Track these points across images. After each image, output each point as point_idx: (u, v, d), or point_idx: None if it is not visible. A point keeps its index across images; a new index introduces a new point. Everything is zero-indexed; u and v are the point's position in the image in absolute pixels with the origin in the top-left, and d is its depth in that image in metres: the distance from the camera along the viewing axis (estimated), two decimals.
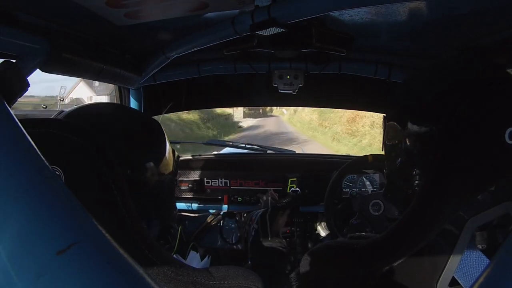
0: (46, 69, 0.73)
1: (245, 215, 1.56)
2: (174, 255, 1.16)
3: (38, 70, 0.71)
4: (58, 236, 0.23)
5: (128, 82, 1.10)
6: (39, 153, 0.26)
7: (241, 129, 20.07)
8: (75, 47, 0.78)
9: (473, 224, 0.51)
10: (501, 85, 0.52)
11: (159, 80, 1.29)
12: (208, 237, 1.68)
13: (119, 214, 0.50)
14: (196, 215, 1.64)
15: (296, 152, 2.00)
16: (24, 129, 0.26)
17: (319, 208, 1.49)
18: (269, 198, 1.28)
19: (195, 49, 0.95)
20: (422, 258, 0.56)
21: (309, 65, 1.27)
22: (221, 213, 1.63)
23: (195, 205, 1.62)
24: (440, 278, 0.53)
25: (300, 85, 1.28)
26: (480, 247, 0.52)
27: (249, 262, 1.15)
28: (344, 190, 1.57)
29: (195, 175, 1.63)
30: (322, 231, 1.53)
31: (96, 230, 0.25)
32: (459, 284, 0.53)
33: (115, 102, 1.33)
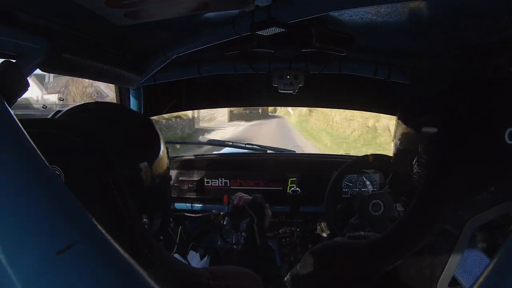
0: (46, 69, 0.73)
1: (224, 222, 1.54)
2: (175, 255, 1.16)
3: None
4: (58, 236, 0.23)
5: (128, 82, 1.10)
6: (39, 153, 0.26)
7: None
8: (75, 47, 0.78)
9: (473, 224, 0.51)
10: (501, 85, 0.52)
11: (159, 80, 1.29)
12: (208, 237, 1.68)
13: (119, 214, 0.50)
14: (196, 215, 1.64)
15: (296, 152, 2.00)
16: (24, 129, 0.26)
17: (319, 208, 1.49)
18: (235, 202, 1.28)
19: (195, 49, 0.95)
20: (422, 258, 0.56)
21: (309, 65, 1.27)
22: (221, 213, 1.63)
23: (195, 205, 1.62)
24: (440, 278, 0.53)
25: (300, 85, 1.28)
26: (480, 246, 0.52)
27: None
28: (344, 190, 1.57)
29: (195, 175, 1.63)
30: (323, 231, 1.53)
31: (96, 230, 0.25)
32: (459, 284, 0.53)
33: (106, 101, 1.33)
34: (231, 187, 1.60)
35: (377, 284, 0.57)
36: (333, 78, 1.35)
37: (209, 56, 1.25)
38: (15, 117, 0.27)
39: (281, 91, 1.31)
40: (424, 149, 0.57)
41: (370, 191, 1.55)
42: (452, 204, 0.51)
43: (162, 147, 0.71)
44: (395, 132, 0.65)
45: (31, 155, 0.26)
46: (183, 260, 1.00)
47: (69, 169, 0.48)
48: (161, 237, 0.75)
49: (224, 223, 1.66)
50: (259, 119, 26.29)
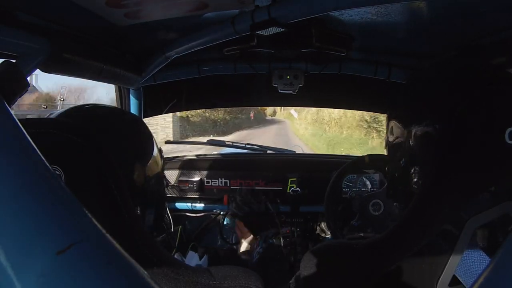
0: (46, 69, 0.73)
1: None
2: (175, 255, 1.16)
3: None
4: (58, 236, 0.23)
5: (128, 82, 1.10)
6: (39, 153, 0.26)
7: None
8: (75, 47, 0.78)
9: (473, 224, 0.51)
10: (501, 85, 0.52)
11: (159, 80, 1.29)
12: (208, 237, 1.68)
13: (119, 213, 0.50)
14: (196, 215, 1.64)
15: (296, 152, 2.00)
16: (24, 129, 0.26)
17: (319, 208, 1.49)
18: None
19: (195, 49, 0.95)
20: (422, 258, 0.56)
21: (309, 65, 1.27)
22: (221, 213, 1.63)
23: (195, 205, 1.62)
24: (440, 278, 0.53)
25: (300, 85, 1.28)
26: (481, 245, 0.52)
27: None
28: (344, 190, 1.57)
29: (195, 175, 1.63)
30: (323, 231, 1.53)
31: (96, 230, 0.25)
32: (459, 284, 0.53)
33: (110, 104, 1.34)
34: (231, 187, 1.60)
35: (378, 284, 0.57)
36: (333, 78, 1.35)
37: (209, 56, 1.25)
38: (15, 117, 0.27)
39: (281, 91, 1.31)
40: (417, 148, 0.57)
41: (370, 191, 1.55)
42: (452, 204, 0.51)
43: (155, 147, 0.73)
44: (387, 131, 0.65)
45: (31, 155, 0.26)
46: (184, 260, 1.00)
47: (69, 169, 0.48)
48: (155, 233, 0.77)
49: (224, 223, 1.66)
50: (248, 127, 18.41)
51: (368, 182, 1.58)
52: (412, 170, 0.58)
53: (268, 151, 1.87)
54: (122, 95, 1.30)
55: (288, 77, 1.27)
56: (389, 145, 0.65)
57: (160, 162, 0.76)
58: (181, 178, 1.61)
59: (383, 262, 0.57)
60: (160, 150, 0.79)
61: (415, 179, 0.58)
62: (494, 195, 0.51)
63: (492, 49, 0.81)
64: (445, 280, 0.53)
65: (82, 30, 0.82)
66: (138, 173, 0.66)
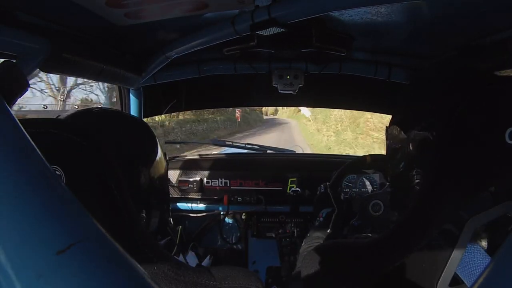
0: (46, 69, 0.73)
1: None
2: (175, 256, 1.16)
3: None
4: (58, 236, 0.23)
5: (128, 82, 1.10)
6: (39, 153, 0.26)
7: None
8: (75, 47, 0.78)
9: (473, 224, 0.51)
10: (501, 85, 0.52)
11: (159, 80, 1.29)
12: (208, 237, 1.68)
13: (119, 213, 0.50)
14: (196, 215, 1.64)
15: (296, 152, 2.00)
16: (24, 129, 0.26)
17: None
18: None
19: (195, 49, 0.95)
20: (422, 258, 0.56)
21: (309, 65, 1.27)
22: (221, 213, 1.63)
23: (195, 205, 1.62)
24: (441, 278, 0.53)
25: (300, 85, 1.28)
26: (482, 245, 0.53)
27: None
28: (344, 190, 1.57)
29: (195, 175, 1.63)
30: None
31: (96, 230, 0.25)
32: (459, 283, 0.53)
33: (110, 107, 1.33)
34: (231, 187, 1.60)
35: (378, 284, 0.57)
36: (333, 78, 1.35)
37: (209, 56, 1.25)
38: (15, 117, 0.27)
39: (281, 91, 1.31)
40: (418, 150, 0.57)
41: (370, 191, 1.55)
42: (452, 204, 0.51)
43: (159, 150, 0.73)
44: (387, 131, 0.65)
45: (31, 155, 0.26)
46: (184, 260, 1.00)
47: (69, 169, 0.48)
48: (159, 237, 0.76)
49: (224, 223, 1.67)
50: (231, 133, 13.28)
51: (368, 183, 1.58)
52: (414, 172, 0.59)
53: (268, 151, 1.87)
54: (122, 95, 1.30)
55: (288, 77, 1.27)
56: (389, 150, 0.66)
57: (164, 165, 0.76)
58: (181, 178, 1.61)
59: (383, 262, 0.57)
60: (164, 154, 0.79)
61: (416, 181, 0.58)
62: (494, 195, 0.51)
63: (492, 49, 0.81)
64: (445, 280, 0.53)
65: (82, 30, 0.82)
66: (143, 177, 0.66)
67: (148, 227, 0.68)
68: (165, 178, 0.77)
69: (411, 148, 0.58)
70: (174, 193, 1.62)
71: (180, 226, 1.55)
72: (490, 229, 0.53)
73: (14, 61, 0.65)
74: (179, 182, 1.61)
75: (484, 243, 0.53)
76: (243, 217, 1.65)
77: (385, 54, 1.17)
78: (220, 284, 0.51)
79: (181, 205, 1.61)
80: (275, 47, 1.05)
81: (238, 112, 14.16)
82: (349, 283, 0.60)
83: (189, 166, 1.64)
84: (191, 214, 1.64)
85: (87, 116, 0.66)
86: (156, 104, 1.46)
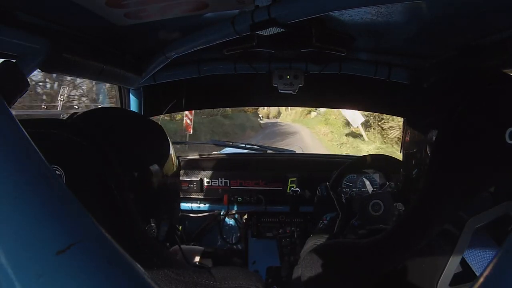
0: (46, 69, 0.73)
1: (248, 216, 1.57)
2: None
3: None
4: (58, 236, 0.23)
5: (128, 82, 1.10)
6: (39, 153, 0.26)
7: None
8: (75, 47, 0.78)
9: (473, 224, 0.51)
10: (501, 85, 0.52)
11: (159, 80, 1.29)
12: (208, 237, 1.68)
13: (119, 213, 0.50)
14: (196, 215, 1.64)
15: (296, 152, 2.00)
16: (24, 129, 0.26)
17: None
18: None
19: (195, 49, 0.95)
20: (423, 258, 0.56)
21: (309, 65, 1.26)
22: (221, 213, 1.63)
23: (195, 205, 1.62)
24: (441, 278, 0.53)
25: (300, 85, 1.28)
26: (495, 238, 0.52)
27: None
28: (344, 190, 1.57)
29: (195, 175, 1.63)
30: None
31: (96, 230, 0.25)
32: (459, 283, 0.53)
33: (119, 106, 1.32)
34: (231, 187, 1.60)
35: (378, 284, 0.57)
36: (333, 78, 1.35)
37: (209, 56, 1.25)
38: (15, 117, 0.27)
39: (281, 91, 1.31)
40: (430, 151, 0.57)
41: (370, 191, 1.55)
42: (452, 204, 0.51)
43: (171, 151, 0.71)
44: (403, 134, 0.65)
45: (31, 155, 0.26)
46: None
47: (70, 169, 0.48)
48: (168, 244, 0.74)
49: (224, 223, 1.66)
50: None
51: (368, 182, 1.58)
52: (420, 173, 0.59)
53: (268, 151, 1.87)
54: (122, 95, 1.30)
55: (288, 77, 1.27)
56: (404, 154, 0.65)
57: (175, 165, 0.74)
58: (181, 178, 1.61)
59: (383, 262, 0.57)
60: (178, 159, 0.77)
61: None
62: (494, 195, 0.51)
63: (492, 49, 0.81)
64: (445, 280, 0.53)
65: (82, 30, 0.82)
66: (152, 176, 0.65)
67: (158, 235, 0.66)
68: (176, 184, 0.75)
69: (427, 152, 0.58)
70: None
71: (180, 226, 1.55)
72: (491, 229, 0.53)
73: (14, 61, 0.65)
74: (179, 182, 1.61)
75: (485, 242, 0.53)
76: (243, 217, 1.65)
77: (385, 54, 1.17)
78: (220, 284, 0.51)
79: (181, 205, 1.61)
80: (275, 47, 1.05)
81: (187, 118, 6.40)
82: (349, 283, 0.60)
83: (189, 166, 1.64)
84: (191, 214, 1.64)
85: (94, 117, 0.66)
86: (156, 104, 1.46)
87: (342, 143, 9.41)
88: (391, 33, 0.95)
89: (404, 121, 0.67)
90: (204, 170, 1.63)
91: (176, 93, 1.51)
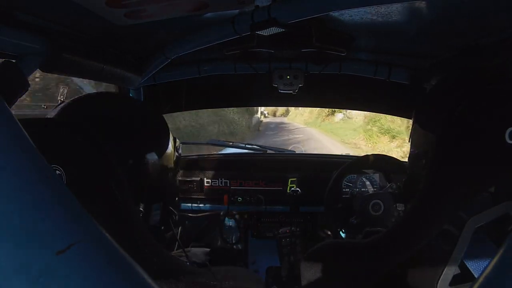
0: (46, 69, 0.73)
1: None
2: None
3: None
4: (58, 236, 0.23)
5: (128, 82, 1.10)
6: (39, 153, 0.26)
7: None
8: (75, 47, 0.78)
9: (473, 224, 0.51)
10: (501, 85, 0.52)
11: (159, 80, 1.29)
12: (208, 237, 1.68)
13: (120, 213, 0.50)
14: (196, 215, 1.64)
15: (296, 152, 2.00)
16: (24, 129, 0.26)
17: (319, 208, 1.49)
18: None
19: (195, 49, 0.95)
20: (423, 258, 0.56)
21: (309, 65, 1.27)
22: (221, 213, 1.63)
23: (195, 205, 1.62)
24: (440, 278, 0.53)
25: (300, 85, 1.28)
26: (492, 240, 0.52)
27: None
28: (344, 190, 1.57)
29: (195, 175, 1.63)
30: (325, 232, 1.54)
31: (96, 230, 0.25)
32: (459, 283, 0.53)
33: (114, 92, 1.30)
34: (231, 187, 1.60)
35: (378, 284, 0.57)
36: (333, 78, 1.35)
37: (209, 56, 1.24)
38: (15, 117, 0.27)
39: (281, 91, 1.31)
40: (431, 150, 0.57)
41: (370, 191, 1.55)
42: (452, 204, 0.51)
43: (170, 139, 0.71)
44: (411, 135, 0.65)
45: (31, 155, 0.26)
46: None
47: (70, 169, 0.48)
48: (163, 228, 0.75)
49: (224, 223, 1.66)
50: None
51: (368, 183, 1.58)
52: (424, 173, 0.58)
53: (268, 151, 1.87)
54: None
55: (288, 77, 1.27)
56: (411, 154, 0.65)
57: (173, 153, 0.74)
58: (181, 178, 1.61)
59: (383, 262, 0.57)
60: (174, 140, 0.77)
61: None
62: (494, 195, 0.51)
63: (492, 49, 0.81)
64: (445, 280, 0.53)
65: (82, 30, 0.82)
66: (147, 163, 0.65)
67: (149, 218, 0.67)
68: (172, 169, 0.75)
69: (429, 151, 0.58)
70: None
71: (180, 226, 1.55)
72: (491, 229, 0.53)
73: (14, 61, 0.65)
74: (179, 182, 1.61)
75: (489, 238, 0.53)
76: (243, 217, 1.65)
77: (385, 54, 1.17)
78: (220, 284, 0.51)
79: (181, 205, 1.61)
80: (275, 47, 1.05)
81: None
82: (349, 283, 0.60)
83: (189, 166, 1.64)
84: (191, 214, 1.64)
85: (86, 106, 0.65)
86: (156, 104, 1.46)
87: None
88: (391, 33, 0.95)
89: (412, 121, 0.67)
90: (204, 170, 1.63)
91: (176, 93, 1.51)
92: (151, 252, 0.51)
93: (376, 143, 7.69)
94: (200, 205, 1.62)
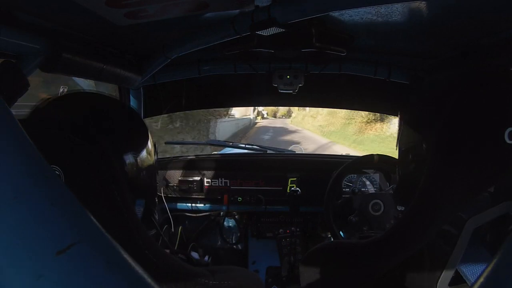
0: (46, 69, 0.73)
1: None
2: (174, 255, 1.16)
3: None
4: (58, 236, 0.23)
5: (128, 82, 1.10)
6: (39, 153, 0.26)
7: None
8: (75, 47, 0.78)
9: (473, 224, 0.51)
10: (501, 85, 0.52)
11: (159, 80, 1.29)
12: (208, 237, 1.68)
13: (120, 213, 0.50)
14: (196, 215, 1.64)
15: (296, 152, 2.00)
16: (24, 129, 0.26)
17: (319, 208, 1.49)
18: None
19: (195, 49, 0.95)
20: (422, 258, 0.56)
21: (309, 65, 1.27)
22: (221, 213, 1.63)
23: (195, 205, 1.62)
24: (440, 278, 0.53)
25: (300, 85, 1.28)
26: (483, 244, 0.53)
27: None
28: (344, 190, 1.57)
29: (195, 175, 1.63)
30: (324, 232, 1.54)
31: (96, 230, 0.25)
32: (459, 283, 0.53)
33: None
34: (231, 187, 1.60)
35: (378, 284, 0.57)
36: (333, 78, 1.35)
37: (209, 56, 1.25)
38: (15, 117, 0.27)
39: (281, 91, 1.31)
40: (426, 149, 0.57)
41: (370, 191, 1.55)
42: (452, 204, 0.51)
43: (149, 138, 0.71)
44: (399, 133, 0.65)
45: (31, 155, 0.26)
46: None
47: (69, 169, 0.48)
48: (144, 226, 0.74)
49: (224, 223, 1.66)
50: None
51: (368, 182, 1.58)
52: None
53: (268, 151, 1.87)
54: (122, 95, 1.30)
55: (288, 77, 1.27)
56: (400, 151, 0.65)
57: (153, 155, 0.74)
58: (181, 178, 1.62)
59: (383, 262, 0.57)
60: (154, 144, 0.77)
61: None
62: (493, 195, 0.51)
63: (492, 49, 0.80)
64: (445, 280, 0.53)
65: (82, 30, 0.82)
66: (129, 163, 0.64)
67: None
68: (153, 168, 0.75)
69: (423, 148, 0.58)
70: (174, 193, 1.62)
71: (180, 226, 1.55)
72: (491, 229, 0.53)
73: (14, 61, 0.65)
74: (179, 182, 1.61)
75: (486, 242, 0.53)
76: (243, 217, 1.65)
77: (385, 54, 1.17)
78: (220, 284, 0.51)
79: (181, 205, 1.61)
80: (275, 47, 1.05)
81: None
82: (349, 283, 0.60)
83: (189, 166, 1.64)
84: (191, 214, 1.64)
85: (70, 105, 0.64)
86: (156, 104, 1.46)
87: None
88: (391, 33, 0.95)
89: (399, 119, 0.67)
90: (204, 170, 1.63)
91: (176, 93, 1.51)
92: (151, 252, 0.51)
93: None
94: (200, 205, 1.62)
